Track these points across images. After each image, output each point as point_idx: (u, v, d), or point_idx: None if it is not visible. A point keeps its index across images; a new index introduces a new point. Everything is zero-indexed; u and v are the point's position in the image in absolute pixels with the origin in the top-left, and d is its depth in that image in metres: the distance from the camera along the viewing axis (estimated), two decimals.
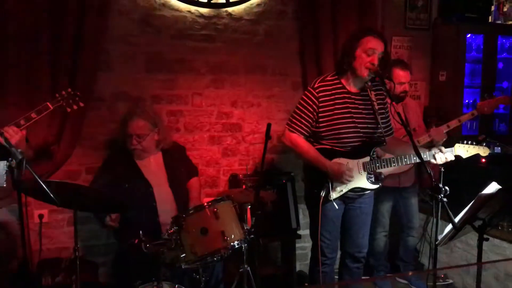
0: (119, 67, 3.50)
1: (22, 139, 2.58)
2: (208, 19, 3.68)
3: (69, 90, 2.78)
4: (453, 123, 3.50)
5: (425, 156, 2.69)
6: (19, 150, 2.18)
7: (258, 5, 3.80)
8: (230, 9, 3.71)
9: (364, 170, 2.82)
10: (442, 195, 2.31)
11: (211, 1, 3.63)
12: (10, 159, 2.13)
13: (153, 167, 3.23)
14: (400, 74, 3.61)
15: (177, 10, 3.59)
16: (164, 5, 3.55)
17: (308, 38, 3.87)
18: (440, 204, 2.33)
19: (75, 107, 2.79)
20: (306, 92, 2.90)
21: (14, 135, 2.49)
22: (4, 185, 2.19)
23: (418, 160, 2.68)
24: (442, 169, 2.56)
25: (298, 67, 3.98)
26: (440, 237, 2.44)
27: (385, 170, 2.98)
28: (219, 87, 3.81)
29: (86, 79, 3.28)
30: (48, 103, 2.67)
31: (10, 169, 2.13)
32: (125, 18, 3.48)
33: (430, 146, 3.26)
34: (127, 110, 3.32)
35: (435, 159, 2.66)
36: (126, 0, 3.46)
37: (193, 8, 3.62)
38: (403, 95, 3.67)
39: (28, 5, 3.12)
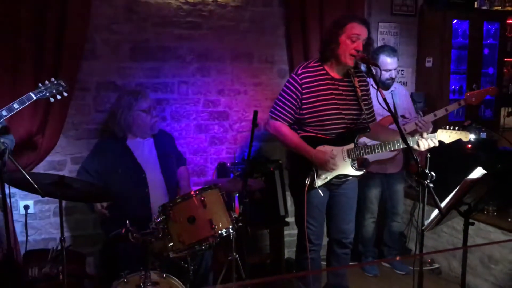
0: (104, 56, 3.45)
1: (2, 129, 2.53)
2: (193, 6, 3.63)
3: (52, 79, 2.71)
4: (440, 112, 3.51)
5: (409, 141, 2.69)
6: (1, 141, 2.15)
7: None
8: None
9: (349, 157, 2.82)
10: (428, 181, 2.32)
11: None
12: None
13: (146, 152, 3.22)
14: (387, 61, 3.62)
15: None
16: None
17: (295, 25, 3.85)
18: (426, 189, 2.35)
19: (59, 97, 2.72)
20: (289, 79, 2.88)
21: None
22: None
23: (402, 146, 2.70)
24: (429, 155, 2.57)
25: (284, 55, 3.96)
26: (426, 223, 2.45)
27: (370, 156, 2.98)
28: (205, 75, 3.77)
29: (70, 68, 3.23)
30: (31, 93, 2.60)
31: None
32: (108, 6, 3.42)
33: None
34: (124, 95, 3.25)
35: (418, 145, 2.67)
36: None
37: None
38: (389, 82, 3.68)
39: None
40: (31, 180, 2.07)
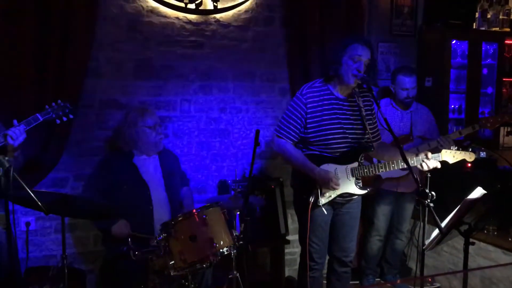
0: (107, 74, 3.49)
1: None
2: (196, 26, 3.69)
3: (59, 101, 2.77)
4: (453, 135, 3.53)
5: (412, 162, 2.72)
6: (6, 158, 2.18)
7: (246, 11, 3.82)
8: (218, 16, 3.73)
9: (353, 176, 2.84)
10: (429, 200, 2.35)
11: (199, 8, 3.64)
12: None
13: (151, 170, 3.25)
14: (404, 80, 3.68)
15: (165, 16, 3.60)
16: (152, 11, 3.56)
17: (296, 44, 3.90)
18: (427, 209, 2.37)
19: (64, 119, 2.79)
20: (294, 98, 2.92)
21: (19, 136, 2.50)
22: None
23: (405, 166, 2.72)
24: (429, 175, 2.59)
25: (286, 73, 4.00)
26: (427, 242, 2.46)
27: (383, 173, 3.00)
28: (207, 93, 3.81)
29: (73, 86, 3.27)
30: (37, 114, 2.67)
31: None
32: (113, 25, 3.47)
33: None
34: (131, 111, 3.32)
35: (422, 165, 2.70)
36: (113, 6, 3.46)
37: (181, 15, 3.62)
38: (408, 101, 3.71)
39: (12, 11, 3.10)
40: (35, 198, 2.08)
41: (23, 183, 2.10)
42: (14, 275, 2.51)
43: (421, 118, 3.79)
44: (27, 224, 3.36)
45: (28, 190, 2.10)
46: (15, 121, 2.60)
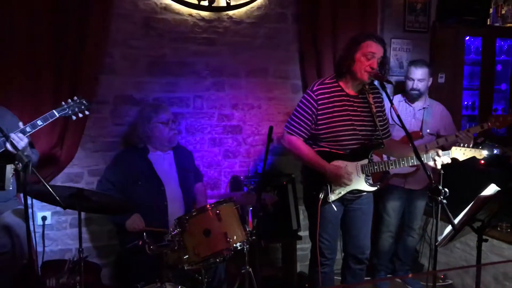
0: (122, 70, 3.53)
1: (27, 145, 2.61)
2: (209, 23, 3.71)
3: (75, 98, 2.82)
4: (452, 138, 3.52)
5: (423, 158, 2.72)
6: (25, 153, 2.22)
7: (259, 8, 3.83)
8: (231, 13, 3.75)
9: (363, 173, 2.85)
10: (442, 197, 2.35)
11: (212, 5, 3.66)
12: (16, 162, 2.17)
13: (165, 166, 3.29)
14: (412, 70, 3.69)
15: (178, 13, 3.62)
16: (166, 8, 3.59)
17: (308, 41, 3.91)
18: (440, 205, 2.37)
19: (80, 115, 2.83)
20: (304, 94, 2.93)
21: (20, 141, 2.52)
22: (10, 188, 2.21)
23: (416, 163, 2.72)
24: (442, 171, 2.59)
25: (298, 70, 4.01)
26: (440, 238, 2.47)
27: (394, 170, 2.99)
28: (220, 90, 3.84)
29: (89, 82, 3.32)
30: (54, 111, 2.71)
31: (16, 173, 2.17)
32: (127, 22, 3.51)
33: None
34: (146, 107, 3.37)
35: (433, 161, 2.71)
36: (127, 3, 3.49)
37: (194, 12, 3.65)
38: (414, 93, 3.70)
39: (31, 8, 3.15)
40: (53, 192, 2.13)
41: (41, 178, 2.14)
42: (33, 267, 2.55)
43: (433, 115, 3.77)
44: (43, 218, 3.42)
45: (46, 184, 2.14)
46: (20, 124, 2.62)
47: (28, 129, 2.61)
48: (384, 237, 3.90)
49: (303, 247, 4.04)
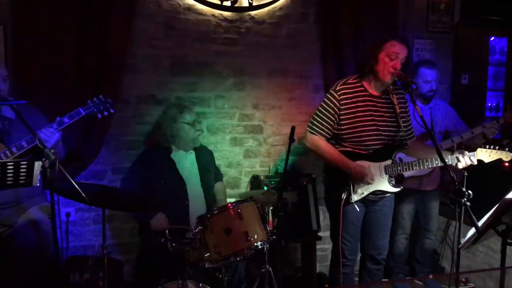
0: (145, 70, 3.58)
1: (59, 139, 2.68)
2: (231, 23, 3.73)
3: (100, 96, 2.87)
4: (477, 130, 3.47)
5: (447, 160, 2.70)
6: (52, 150, 2.27)
7: (281, 8, 3.84)
8: (253, 13, 3.76)
9: (386, 173, 2.84)
10: (466, 199, 2.32)
11: (235, 5, 3.68)
12: (43, 159, 2.22)
13: (187, 165, 3.33)
14: (426, 73, 3.63)
15: (201, 14, 3.66)
16: (189, 9, 3.62)
17: (329, 41, 3.90)
18: (463, 208, 2.34)
19: (105, 113, 2.88)
20: (327, 94, 2.93)
21: (51, 136, 2.59)
22: (37, 185, 2.27)
23: (440, 164, 2.70)
24: (466, 173, 2.57)
25: (319, 70, 4.00)
26: (463, 241, 2.44)
27: (407, 173, 2.99)
28: (241, 90, 3.86)
29: (112, 81, 3.37)
30: (80, 109, 2.77)
31: (43, 169, 2.22)
32: (150, 22, 3.55)
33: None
34: (171, 107, 3.41)
35: (457, 163, 2.68)
36: (151, 4, 3.53)
37: (216, 12, 3.68)
38: (430, 94, 3.67)
39: (55, 8, 3.21)
40: (79, 189, 2.17)
41: (68, 175, 2.18)
42: (58, 263, 2.61)
43: (440, 113, 3.74)
44: (67, 214, 3.46)
45: (73, 181, 2.19)
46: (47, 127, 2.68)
47: (55, 126, 2.67)
48: (399, 239, 3.87)
49: (323, 248, 4.03)
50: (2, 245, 2.70)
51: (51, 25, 3.21)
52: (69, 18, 3.23)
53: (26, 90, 3.10)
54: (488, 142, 2.83)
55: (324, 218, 3.87)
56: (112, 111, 2.91)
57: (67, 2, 3.22)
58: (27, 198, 2.76)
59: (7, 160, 2.52)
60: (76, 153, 3.32)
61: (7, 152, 2.60)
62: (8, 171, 2.14)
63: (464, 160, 2.68)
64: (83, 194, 2.18)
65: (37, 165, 2.16)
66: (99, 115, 2.86)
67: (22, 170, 2.17)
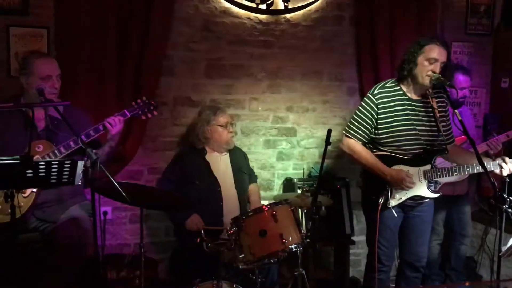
0: (181, 72, 3.63)
1: (120, 130, 2.86)
2: (267, 26, 3.75)
3: (144, 98, 2.95)
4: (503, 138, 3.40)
5: (488, 166, 2.64)
6: (93, 151, 2.34)
7: (316, 11, 3.84)
8: (288, 16, 3.77)
9: (425, 178, 2.79)
10: (507, 206, 2.27)
11: (270, 8, 3.70)
12: (85, 159, 2.29)
13: (222, 167, 3.36)
14: (461, 80, 3.57)
15: (236, 17, 3.69)
16: (225, 12, 3.66)
17: (365, 43, 3.88)
18: (504, 215, 2.29)
19: (149, 115, 2.96)
20: (365, 98, 2.90)
21: (117, 124, 2.77)
22: (79, 183, 2.33)
23: (481, 170, 2.64)
24: (507, 179, 2.50)
25: (354, 73, 3.99)
26: (503, 249, 2.38)
27: (445, 179, 2.94)
28: (275, 92, 3.87)
29: (150, 83, 3.44)
30: (125, 111, 2.87)
31: (85, 168, 2.29)
32: (187, 25, 3.61)
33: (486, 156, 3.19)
34: (205, 109, 3.45)
35: (501, 169, 2.61)
36: (188, 7, 3.59)
37: (252, 15, 3.70)
38: (462, 101, 3.61)
39: (97, 12, 3.30)
40: (120, 188, 2.22)
41: (109, 175, 2.24)
42: (98, 260, 2.68)
43: (467, 119, 3.67)
44: (104, 213, 3.54)
45: (114, 181, 2.24)
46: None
47: (101, 127, 2.76)
48: (433, 245, 3.81)
49: (356, 252, 4.00)
50: (45, 240, 2.79)
51: (92, 27, 3.30)
52: (110, 21, 3.31)
53: (68, 91, 3.20)
54: None
55: (358, 222, 3.84)
56: (155, 113, 2.98)
57: (108, 6, 3.30)
58: (69, 196, 2.84)
59: (51, 159, 2.61)
60: (115, 153, 3.39)
61: (56, 151, 2.69)
62: (53, 170, 2.21)
63: (508, 167, 2.61)
64: (123, 193, 2.23)
65: (80, 164, 2.23)
66: (143, 117, 2.93)
67: (65, 169, 2.24)
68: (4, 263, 2.53)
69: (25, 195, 2.66)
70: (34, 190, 2.67)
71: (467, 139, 2.48)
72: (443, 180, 3.17)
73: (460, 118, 2.51)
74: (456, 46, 4.17)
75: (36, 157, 2.59)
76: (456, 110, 2.55)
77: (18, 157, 2.10)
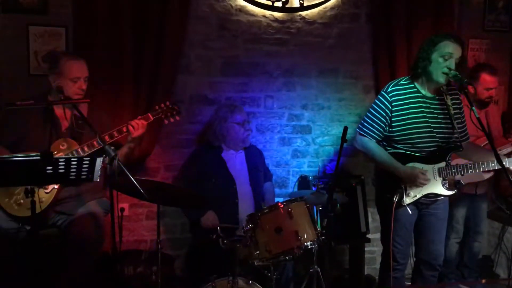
0: (197, 70, 3.66)
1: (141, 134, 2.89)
2: (282, 23, 3.75)
3: (168, 103, 3.00)
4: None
5: (505, 162, 2.61)
6: (112, 148, 2.38)
7: (332, 8, 3.83)
8: (303, 13, 3.77)
9: (440, 176, 2.78)
10: None
11: (286, 6, 3.70)
12: (104, 156, 2.33)
13: (237, 165, 3.39)
14: (488, 80, 3.53)
15: (252, 14, 3.70)
16: (241, 10, 3.67)
17: (381, 41, 3.86)
18: None
19: (172, 120, 3.02)
20: (379, 96, 2.89)
21: (139, 128, 2.82)
22: (98, 180, 2.37)
23: (497, 167, 2.62)
24: None
25: (370, 70, 3.97)
26: None
27: (467, 179, 2.91)
28: (291, 90, 3.88)
29: (167, 81, 3.47)
30: (149, 114, 2.93)
31: (103, 165, 2.33)
32: (203, 23, 3.63)
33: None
34: (222, 107, 3.49)
35: None
36: (205, 6, 3.61)
37: (268, 13, 3.71)
38: (488, 101, 3.58)
39: (114, 10, 3.33)
40: (137, 185, 2.26)
41: (127, 172, 2.28)
42: (115, 255, 2.72)
43: (493, 117, 3.67)
44: (122, 209, 3.61)
45: (132, 178, 2.28)
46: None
47: (124, 129, 2.82)
48: (451, 243, 3.79)
49: (371, 250, 3.99)
50: (63, 233, 2.83)
51: (110, 26, 3.33)
52: (127, 20, 3.35)
53: (87, 90, 3.25)
54: None
55: (373, 220, 3.83)
56: (177, 118, 3.03)
57: (125, 5, 3.34)
58: (87, 193, 2.89)
59: (71, 156, 2.66)
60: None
61: (79, 150, 2.74)
62: (72, 166, 2.25)
63: None
64: (141, 190, 2.26)
65: (99, 161, 2.27)
66: (166, 121, 2.98)
67: (84, 166, 2.27)
68: (24, 258, 2.58)
69: (47, 190, 2.71)
70: (56, 186, 2.72)
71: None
72: (467, 179, 3.15)
73: (477, 115, 2.49)
74: (474, 43, 4.12)
75: (58, 155, 2.64)
76: (473, 108, 2.53)
77: (38, 153, 2.14)
